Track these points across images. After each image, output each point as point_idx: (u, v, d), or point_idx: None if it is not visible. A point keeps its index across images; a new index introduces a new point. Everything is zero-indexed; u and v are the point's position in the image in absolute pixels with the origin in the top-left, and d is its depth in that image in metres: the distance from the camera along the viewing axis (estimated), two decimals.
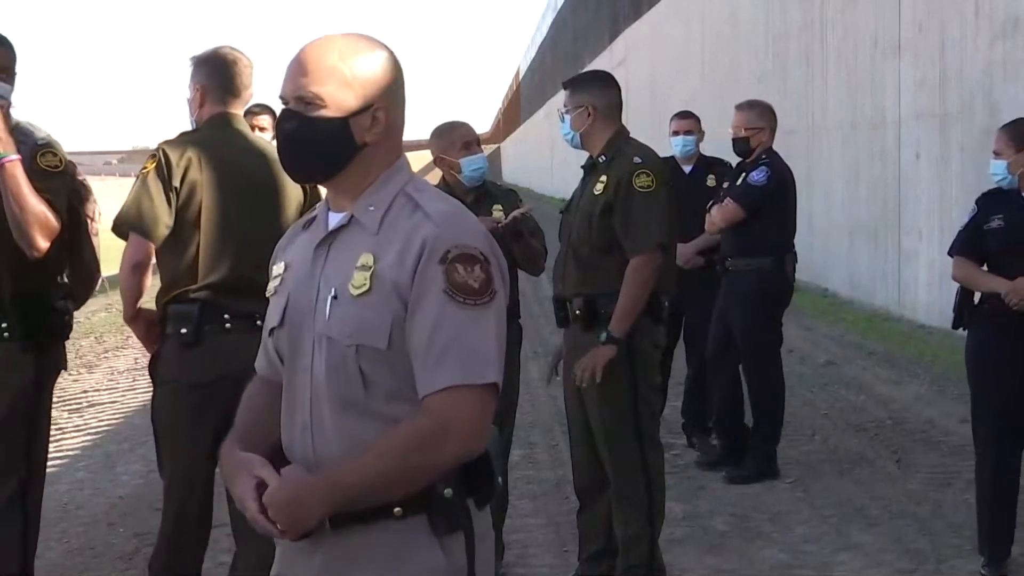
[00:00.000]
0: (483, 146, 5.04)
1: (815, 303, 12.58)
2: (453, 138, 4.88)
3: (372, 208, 2.18)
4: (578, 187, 4.76)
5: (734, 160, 6.77)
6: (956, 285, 4.99)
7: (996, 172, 4.80)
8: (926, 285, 10.85)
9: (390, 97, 2.20)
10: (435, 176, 5.13)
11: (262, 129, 6.32)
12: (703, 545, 5.37)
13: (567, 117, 4.64)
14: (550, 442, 7.23)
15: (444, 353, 2.06)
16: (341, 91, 2.15)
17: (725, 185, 6.63)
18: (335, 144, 2.17)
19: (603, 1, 32.94)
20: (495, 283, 2.11)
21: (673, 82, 21.94)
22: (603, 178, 4.51)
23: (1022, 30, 9.16)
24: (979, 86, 9.83)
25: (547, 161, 41.44)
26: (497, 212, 4.87)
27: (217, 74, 4.01)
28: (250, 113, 6.32)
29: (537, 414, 7.89)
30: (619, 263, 4.44)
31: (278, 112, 2.26)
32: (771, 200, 6.38)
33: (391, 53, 2.22)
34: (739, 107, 6.68)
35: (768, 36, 16.03)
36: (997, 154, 4.80)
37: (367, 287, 2.10)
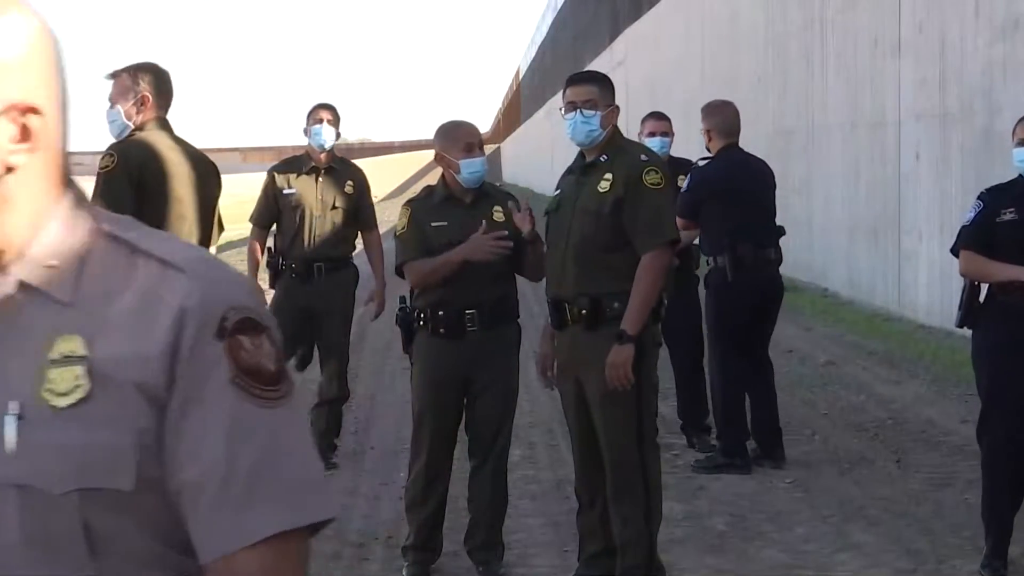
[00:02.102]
0: (484, 146, 5.04)
1: (815, 303, 12.56)
2: (456, 137, 4.87)
3: (55, 263, 1.34)
4: (565, 188, 4.70)
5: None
6: (956, 284, 4.94)
7: (1022, 160, 4.74)
8: (926, 285, 10.85)
9: (43, 87, 1.36)
10: (435, 175, 5.12)
11: (329, 121, 6.87)
12: (703, 545, 5.37)
13: (598, 114, 4.53)
14: (550, 442, 7.23)
15: (254, 482, 1.28)
16: None
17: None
18: None
19: (603, 1, 32.92)
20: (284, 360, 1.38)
21: (673, 82, 21.92)
22: (608, 175, 4.47)
23: (1022, 30, 9.16)
24: (979, 86, 9.82)
25: (547, 161, 41.40)
26: (497, 214, 4.86)
27: (162, 84, 4.94)
28: (316, 108, 6.94)
29: (537, 414, 7.89)
30: (626, 262, 4.41)
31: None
32: (698, 203, 6.45)
33: (36, 15, 1.37)
34: None
35: (768, 36, 16.02)
36: (1022, 142, 4.74)
37: (84, 391, 1.29)
